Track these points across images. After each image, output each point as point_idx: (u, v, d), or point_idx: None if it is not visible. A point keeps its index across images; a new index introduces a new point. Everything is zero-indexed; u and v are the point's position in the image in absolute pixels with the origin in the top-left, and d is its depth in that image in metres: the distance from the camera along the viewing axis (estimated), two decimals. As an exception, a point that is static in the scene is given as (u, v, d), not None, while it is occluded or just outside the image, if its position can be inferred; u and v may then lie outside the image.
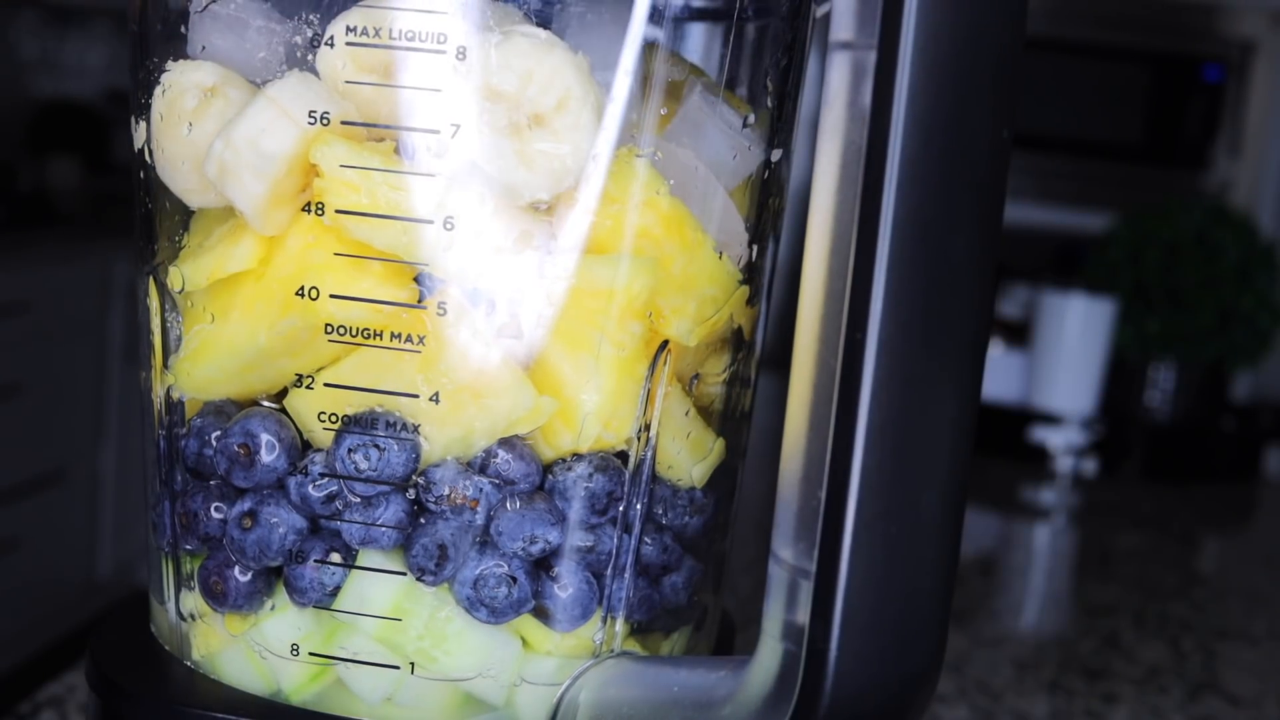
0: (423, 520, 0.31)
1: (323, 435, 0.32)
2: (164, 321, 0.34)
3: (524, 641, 0.32)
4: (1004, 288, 1.34)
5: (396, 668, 0.32)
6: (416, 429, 0.31)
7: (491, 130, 0.30)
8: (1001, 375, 1.19)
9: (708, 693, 0.29)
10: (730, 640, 0.39)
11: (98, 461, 2.33)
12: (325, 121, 0.30)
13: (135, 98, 0.34)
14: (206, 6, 0.32)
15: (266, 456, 0.32)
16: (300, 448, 0.32)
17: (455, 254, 0.30)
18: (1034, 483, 1.11)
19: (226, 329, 0.32)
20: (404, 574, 0.31)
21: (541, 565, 0.32)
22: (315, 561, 0.32)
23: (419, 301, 0.30)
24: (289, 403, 0.32)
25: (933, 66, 0.25)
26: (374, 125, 0.30)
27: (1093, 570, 0.87)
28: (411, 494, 0.31)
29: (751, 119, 0.34)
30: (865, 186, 0.26)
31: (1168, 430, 1.22)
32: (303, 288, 0.31)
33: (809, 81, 0.36)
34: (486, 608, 0.32)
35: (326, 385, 0.31)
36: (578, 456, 0.32)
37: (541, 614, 0.32)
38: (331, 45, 0.30)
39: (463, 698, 0.32)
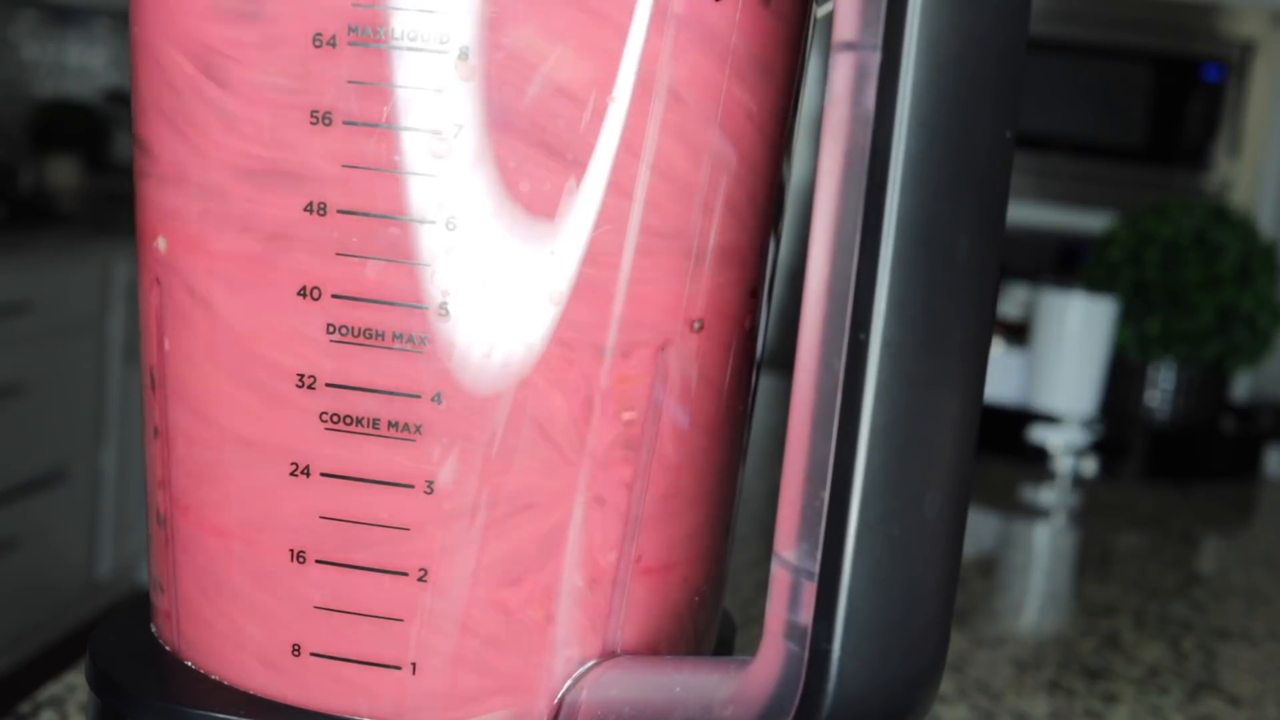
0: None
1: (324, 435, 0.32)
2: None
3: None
4: (1004, 288, 1.34)
5: (398, 668, 0.32)
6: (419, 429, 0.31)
7: (495, 130, 0.30)
8: (1001, 375, 1.20)
9: (710, 693, 0.29)
10: (731, 640, 0.39)
11: (98, 461, 2.33)
12: (328, 122, 0.30)
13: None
14: None
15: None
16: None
17: (457, 255, 0.30)
18: (1034, 483, 1.11)
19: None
20: (405, 573, 0.31)
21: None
22: (317, 561, 0.32)
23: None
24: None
25: (936, 68, 0.25)
26: (375, 125, 0.30)
27: (1093, 570, 0.87)
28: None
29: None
30: (869, 187, 0.26)
31: (1168, 430, 1.22)
32: (304, 288, 0.31)
33: (811, 82, 0.36)
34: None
35: (328, 385, 0.31)
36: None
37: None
38: (334, 45, 0.30)
39: (464, 698, 0.32)
